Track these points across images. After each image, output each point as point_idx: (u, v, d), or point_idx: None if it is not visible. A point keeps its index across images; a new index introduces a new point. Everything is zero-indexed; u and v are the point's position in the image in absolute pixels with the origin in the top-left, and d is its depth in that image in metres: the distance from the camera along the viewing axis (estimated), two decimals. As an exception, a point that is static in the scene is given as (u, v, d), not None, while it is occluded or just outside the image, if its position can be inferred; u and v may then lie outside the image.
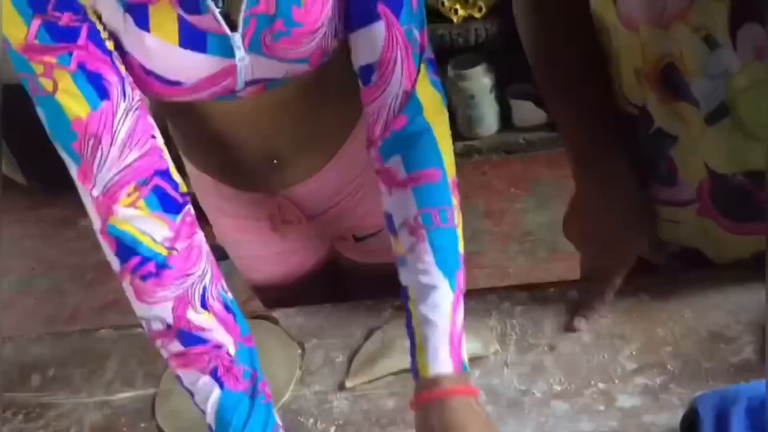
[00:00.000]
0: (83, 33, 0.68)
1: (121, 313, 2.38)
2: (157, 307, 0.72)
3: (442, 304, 0.74)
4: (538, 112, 2.56)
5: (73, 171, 0.72)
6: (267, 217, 1.08)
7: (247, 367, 0.76)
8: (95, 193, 0.71)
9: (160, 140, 0.74)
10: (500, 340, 0.90)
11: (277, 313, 1.03)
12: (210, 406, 0.73)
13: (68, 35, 0.67)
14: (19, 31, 0.66)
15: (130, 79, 0.73)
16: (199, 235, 0.76)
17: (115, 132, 0.69)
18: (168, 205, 0.72)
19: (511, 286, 1.00)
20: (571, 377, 0.84)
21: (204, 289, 0.74)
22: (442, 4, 2.50)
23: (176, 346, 0.73)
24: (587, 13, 0.88)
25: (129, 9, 0.70)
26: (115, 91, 0.70)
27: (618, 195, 0.87)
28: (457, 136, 2.68)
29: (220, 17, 0.72)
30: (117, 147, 0.70)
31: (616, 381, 0.82)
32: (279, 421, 0.78)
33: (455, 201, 0.78)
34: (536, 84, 0.92)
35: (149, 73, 0.74)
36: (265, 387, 0.77)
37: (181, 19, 0.71)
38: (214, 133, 0.89)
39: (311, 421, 0.88)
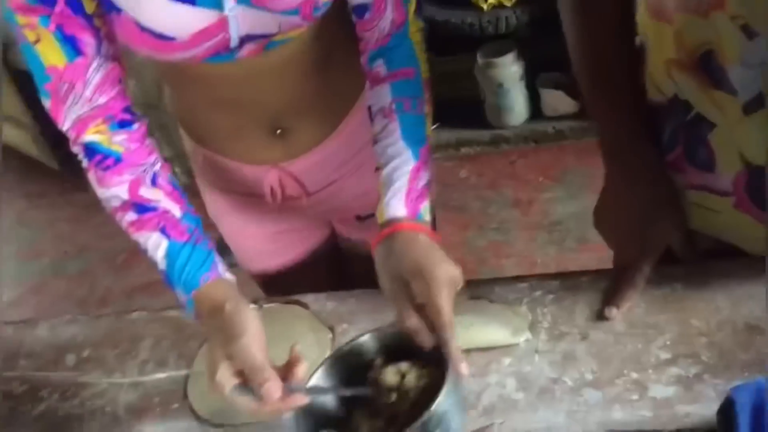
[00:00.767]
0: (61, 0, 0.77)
1: (151, 296, 2.42)
2: (114, 189, 0.85)
3: (403, 167, 0.84)
4: (568, 102, 2.54)
5: (47, 104, 0.84)
6: (267, 193, 1.07)
7: (191, 225, 0.86)
8: (66, 125, 0.85)
9: (124, 83, 0.86)
10: (531, 328, 0.90)
11: (307, 298, 1.04)
12: (160, 256, 0.85)
13: (47, 0, 0.77)
14: None
15: (108, 35, 0.82)
16: (151, 139, 0.89)
17: (87, 80, 0.82)
18: (125, 125, 0.86)
19: (542, 274, 1.00)
20: (603, 366, 0.83)
21: (155, 174, 0.87)
22: (472, -9, 2.49)
23: (131, 216, 0.86)
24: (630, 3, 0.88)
25: None
26: (89, 50, 0.81)
27: (645, 182, 0.87)
28: (485, 124, 2.68)
29: None
30: (89, 90, 0.82)
31: (650, 371, 0.81)
32: (220, 267, 0.85)
33: (426, 95, 0.90)
34: (573, 71, 0.91)
35: (143, 29, 0.80)
36: (208, 242, 0.87)
37: None
38: (216, 99, 0.94)
39: (341, 405, 0.88)
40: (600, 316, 0.89)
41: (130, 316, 1.09)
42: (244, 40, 0.83)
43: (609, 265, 0.96)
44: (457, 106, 2.53)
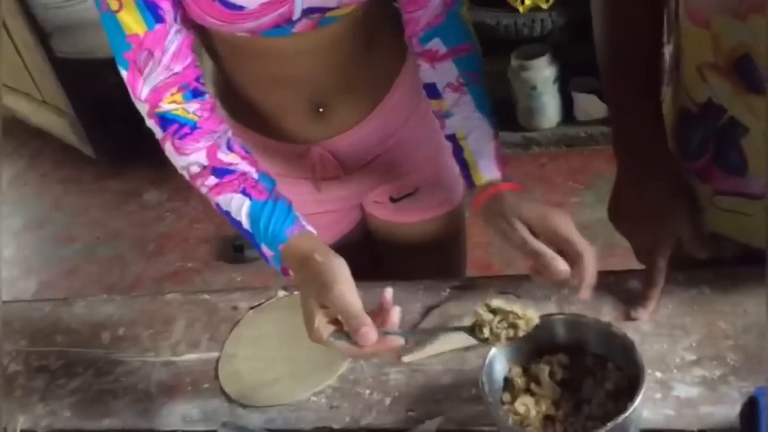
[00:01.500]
0: None
1: (179, 284, 2.46)
2: (193, 155, 0.90)
3: (486, 136, 0.93)
4: (601, 106, 2.53)
5: (124, 75, 0.88)
6: (306, 172, 1.09)
7: (268, 185, 0.92)
8: (144, 94, 0.88)
9: (196, 52, 0.90)
10: (558, 325, 0.91)
11: (337, 287, 1.06)
12: (244, 215, 0.90)
13: None
14: None
15: (183, 6, 0.86)
16: (219, 107, 0.96)
17: (165, 48, 0.86)
18: (198, 95, 0.90)
19: (570, 273, 1.00)
20: (628, 365, 0.84)
21: (228, 139, 0.92)
22: (509, -7, 2.50)
23: (212, 180, 0.91)
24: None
25: None
26: (168, 17, 0.85)
27: (654, 174, 0.88)
28: (516, 126, 2.68)
29: None
30: (167, 58, 0.86)
31: (674, 371, 0.82)
32: (303, 221, 0.91)
33: (483, 68, 0.96)
34: (597, 60, 0.92)
35: None
36: (286, 199, 0.92)
37: None
38: (266, 77, 0.98)
39: (367, 391, 0.90)
40: (627, 316, 0.89)
41: (164, 297, 1.12)
42: (305, 12, 0.87)
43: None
44: (489, 106, 2.53)
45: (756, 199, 0.86)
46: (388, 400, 0.88)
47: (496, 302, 0.78)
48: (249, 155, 0.93)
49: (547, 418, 0.78)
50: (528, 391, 0.80)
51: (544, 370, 0.81)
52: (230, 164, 0.90)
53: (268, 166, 1.08)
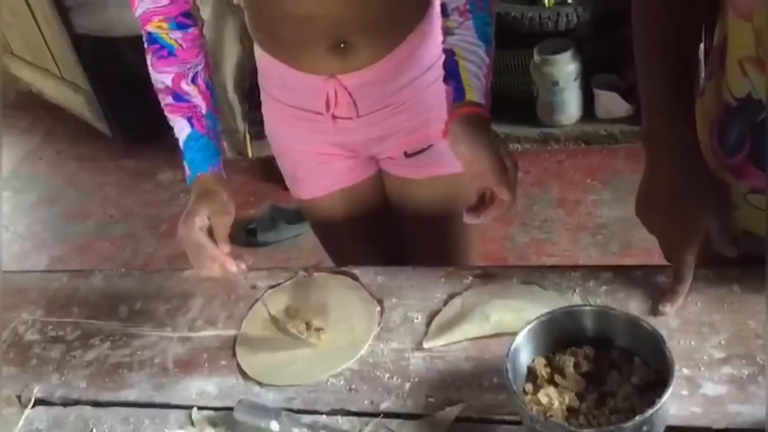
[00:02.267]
0: None
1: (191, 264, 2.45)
2: (161, 75, 1.09)
3: (481, 61, 1.00)
4: (622, 104, 2.50)
5: None
6: (321, 106, 1.14)
7: (211, 123, 1.10)
8: (138, 11, 1.07)
9: None
10: (583, 317, 0.89)
11: (357, 271, 1.05)
12: (182, 139, 1.09)
13: None
14: None
15: None
16: (202, 40, 1.10)
17: None
18: (182, 27, 1.07)
19: (595, 266, 0.99)
20: (655, 360, 0.83)
21: (195, 73, 1.09)
22: (535, -14, 2.47)
23: (169, 100, 1.09)
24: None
25: None
26: None
27: (683, 170, 0.87)
28: (536, 122, 2.66)
29: None
30: None
31: (702, 368, 0.81)
32: (222, 168, 1.09)
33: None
34: (634, 47, 0.90)
35: None
36: (219, 143, 1.11)
37: None
38: (290, 14, 1.06)
39: (387, 375, 0.89)
40: (654, 312, 0.88)
41: (182, 274, 1.11)
42: None
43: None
44: (509, 100, 2.51)
45: (792, 197, 0.84)
46: (407, 385, 0.87)
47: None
48: (207, 91, 1.10)
49: (570, 411, 0.76)
50: (551, 382, 0.79)
51: (569, 362, 0.80)
52: (187, 94, 1.08)
53: (291, 99, 1.18)
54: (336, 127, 1.16)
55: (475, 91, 0.98)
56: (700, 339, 0.84)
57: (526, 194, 2.46)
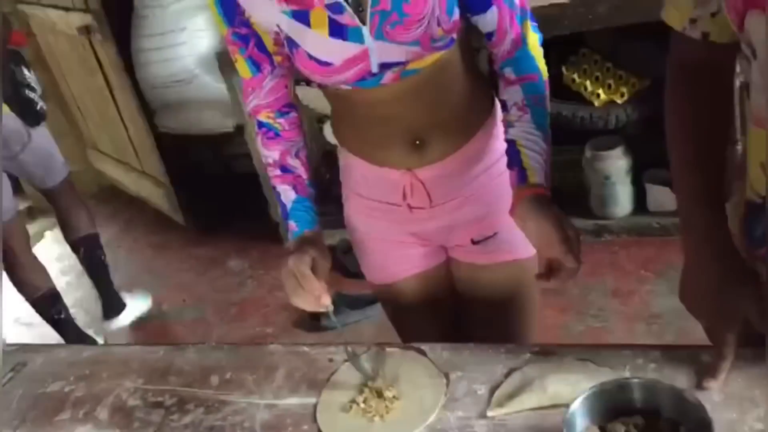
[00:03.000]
0: (252, 41, 1.18)
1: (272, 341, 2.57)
2: (271, 152, 1.27)
3: (540, 149, 1.14)
4: (674, 198, 2.57)
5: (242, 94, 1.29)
6: (398, 198, 1.28)
7: (312, 191, 1.27)
8: (249, 107, 1.27)
9: (289, 88, 1.26)
10: (633, 391, 0.97)
11: (425, 347, 1.16)
12: (289, 201, 1.25)
13: (244, 40, 1.18)
14: (222, 30, 1.19)
15: (282, 63, 1.21)
16: (300, 123, 1.29)
17: (263, 86, 1.23)
18: (284, 114, 1.26)
19: (645, 345, 1.08)
20: None
21: (298, 149, 1.28)
22: (585, 88, 2.62)
23: (278, 172, 1.26)
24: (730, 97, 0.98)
25: (295, 16, 1.11)
26: (266, 70, 1.22)
27: (719, 262, 0.96)
28: (589, 214, 2.74)
29: (354, 15, 1.08)
30: (263, 92, 1.24)
31: (744, 439, 0.88)
32: (319, 227, 1.26)
33: (546, 92, 1.19)
34: (667, 148, 1.01)
35: (311, 57, 1.13)
36: (316, 207, 1.27)
37: (329, 18, 1.09)
38: (369, 116, 1.22)
39: (453, 441, 0.98)
40: (699, 386, 0.96)
41: (267, 347, 1.23)
42: (383, 67, 1.12)
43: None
44: (562, 193, 2.60)
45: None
46: (472, 450, 0.96)
47: None
48: (308, 164, 1.28)
49: None
50: None
51: (620, 430, 0.88)
52: (292, 166, 1.26)
53: (371, 192, 1.32)
54: (412, 216, 1.29)
55: (537, 173, 1.11)
56: (741, 412, 0.91)
57: (580, 284, 2.51)
